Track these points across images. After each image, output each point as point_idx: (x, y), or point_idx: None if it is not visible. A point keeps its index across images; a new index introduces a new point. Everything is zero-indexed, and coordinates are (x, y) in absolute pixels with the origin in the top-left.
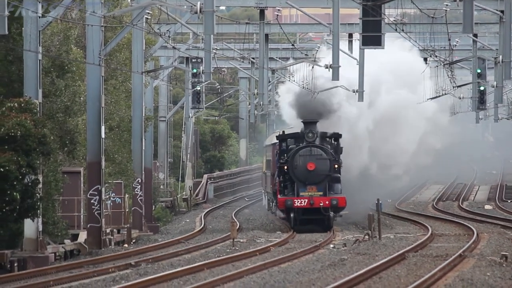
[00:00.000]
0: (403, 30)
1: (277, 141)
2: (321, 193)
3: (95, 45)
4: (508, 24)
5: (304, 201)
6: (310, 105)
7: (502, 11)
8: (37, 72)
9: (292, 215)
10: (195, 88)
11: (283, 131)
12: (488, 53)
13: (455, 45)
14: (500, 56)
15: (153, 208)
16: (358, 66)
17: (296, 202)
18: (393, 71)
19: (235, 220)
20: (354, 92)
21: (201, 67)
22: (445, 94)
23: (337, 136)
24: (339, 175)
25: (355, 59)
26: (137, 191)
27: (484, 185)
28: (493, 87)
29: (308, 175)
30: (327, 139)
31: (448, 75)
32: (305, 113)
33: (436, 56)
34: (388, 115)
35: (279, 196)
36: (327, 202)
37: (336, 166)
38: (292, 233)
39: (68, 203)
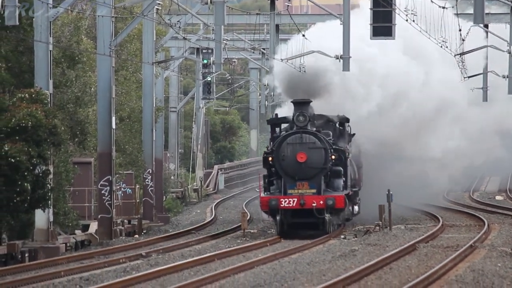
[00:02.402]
0: (413, 20)
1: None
2: (314, 190)
3: (105, 36)
4: None
5: (293, 201)
6: (300, 80)
7: None
8: (47, 62)
9: (278, 218)
10: (205, 79)
11: (276, 114)
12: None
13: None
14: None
15: (164, 199)
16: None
17: (283, 202)
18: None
19: (246, 210)
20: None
21: (211, 58)
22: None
23: (343, 120)
24: (340, 168)
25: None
26: (148, 181)
27: (495, 176)
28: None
29: (298, 169)
30: (331, 123)
31: (459, 66)
32: (295, 90)
33: (447, 47)
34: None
35: (261, 194)
36: (321, 202)
37: (333, 157)
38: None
39: (79, 194)
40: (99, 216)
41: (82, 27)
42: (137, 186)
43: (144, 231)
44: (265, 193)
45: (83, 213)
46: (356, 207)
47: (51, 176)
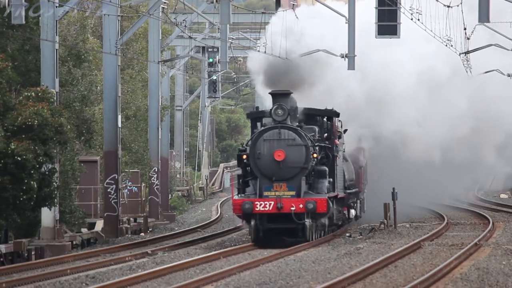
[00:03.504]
0: (418, 19)
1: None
2: (293, 193)
3: (111, 35)
4: None
5: (269, 204)
6: (280, 69)
7: None
8: (54, 61)
9: (253, 223)
10: (211, 78)
11: (257, 107)
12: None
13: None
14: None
15: (170, 197)
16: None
17: (258, 206)
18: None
19: None
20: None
21: (217, 57)
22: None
23: (331, 114)
24: (325, 168)
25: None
26: (154, 180)
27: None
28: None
29: (275, 168)
30: (317, 118)
31: (464, 64)
32: (274, 81)
33: (452, 46)
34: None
35: (234, 197)
36: (300, 206)
37: (315, 155)
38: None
39: (85, 192)
40: (105, 214)
41: (88, 26)
42: (143, 185)
43: (150, 229)
44: (239, 195)
45: (89, 211)
46: (353, 211)
47: (57, 174)
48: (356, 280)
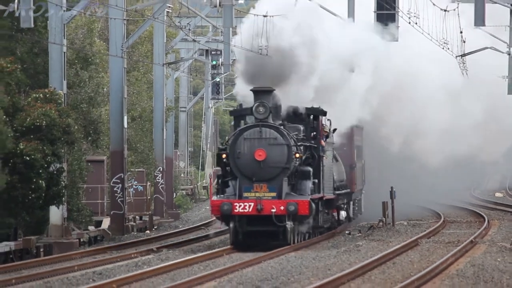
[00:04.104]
0: (416, 23)
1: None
2: (273, 194)
3: (117, 38)
4: None
5: (249, 206)
6: (261, 64)
7: None
8: (61, 64)
9: (231, 225)
10: (214, 80)
11: (240, 105)
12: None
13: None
14: (511, 48)
15: (174, 196)
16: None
17: (237, 207)
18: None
19: None
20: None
21: (220, 59)
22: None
23: (317, 113)
24: (309, 168)
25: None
26: (159, 179)
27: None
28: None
29: (255, 168)
30: (303, 116)
31: (460, 67)
32: (255, 76)
33: (448, 49)
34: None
35: (212, 198)
36: (281, 208)
37: (297, 155)
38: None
39: (92, 191)
40: (111, 213)
41: (95, 30)
42: (148, 184)
43: (155, 227)
44: (218, 196)
45: (96, 210)
46: (343, 213)
47: (65, 173)
48: (355, 276)
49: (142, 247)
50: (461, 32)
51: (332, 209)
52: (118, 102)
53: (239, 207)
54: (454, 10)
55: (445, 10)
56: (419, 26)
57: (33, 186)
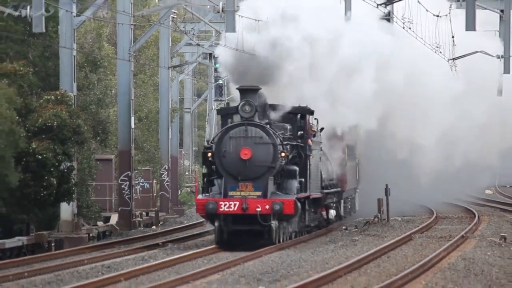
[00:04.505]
0: (410, 28)
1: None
2: (259, 193)
3: (125, 42)
4: (508, 22)
5: (234, 205)
6: (248, 63)
7: (502, 10)
8: (71, 67)
9: (216, 224)
10: (217, 82)
11: (228, 103)
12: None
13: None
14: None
15: (179, 193)
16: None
17: (222, 206)
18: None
19: None
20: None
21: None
22: None
23: (304, 112)
24: (295, 167)
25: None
26: (164, 177)
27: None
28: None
29: (241, 167)
30: (291, 115)
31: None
32: (241, 76)
33: (440, 52)
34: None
35: (198, 196)
36: (266, 207)
37: (283, 154)
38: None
39: (101, 188)
40: (119, 209)
41: (103, 34)
42: (154, 181)
43: (161, 223)
44: (203, 194)
45: (104, 206)
46: (332, 212)
47: (75, 172)
48: (352, 269)
49: (148, 241)
50: (452, 37)
51: (320, 208)
52: (126, 104)
53: (224, 206)
54: (446, 15)
55: (437, 16)
56: (413, 31)
57: (44, 184)
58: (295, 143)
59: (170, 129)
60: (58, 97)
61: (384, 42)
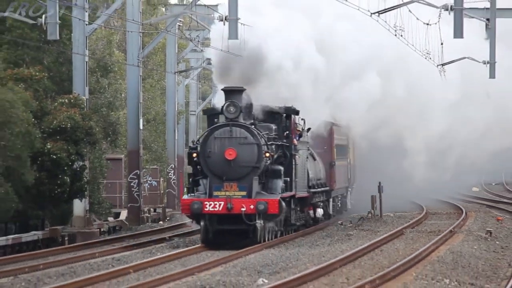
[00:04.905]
0: (401, 35)
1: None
2: (243, 193)
3: (134, 49)
4: (493, 30)
5: (219, 205)
6: (233, 63)
7: (488, 19)
8: (84, 72)
9: (202, 223)
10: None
11: (213, 104)
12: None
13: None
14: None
15: (184, 190)
16: None
17: (207, 206)
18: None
19: None
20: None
21: None
22: None
23: (289, 112)
24: (280, 167)
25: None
26: (171, 175)
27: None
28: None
29: (226, 167)
30: (276, 116)
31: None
32: (226, 76)
33: (430, 58)
34: None
35: (183, 196)
36: (251, 207)
37: (267, 154)
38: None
39: (111, 186)
40: (128, 205)
41: (113, 41)
42: (162, 179)
43: (168, 218)
44: (189, 195)
45: (114, 203)
46: (320, 210)
47: (87, 170)
48: (347, 262)
49: (156, 236)
50: (441, 44)
51: (307, 207)
52: (135, 106)
53: (209, 206)
54: (436, 23)
55: (427, 24)
56: (404, 38)
57: (58, 182)
58: (280, 143)
59: (176, 130)
60: (72, 101)
61: (385, 46)
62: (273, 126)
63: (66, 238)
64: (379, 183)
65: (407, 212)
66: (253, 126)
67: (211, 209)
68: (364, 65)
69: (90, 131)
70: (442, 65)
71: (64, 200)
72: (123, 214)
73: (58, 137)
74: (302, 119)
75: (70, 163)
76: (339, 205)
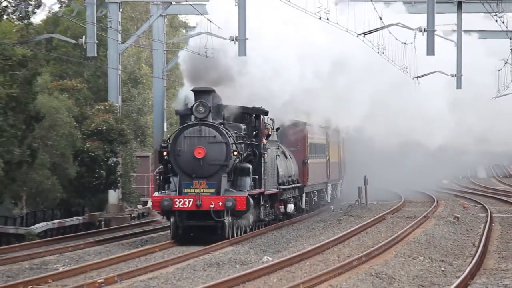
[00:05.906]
0: (383, 53)
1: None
2: (212, 190)
3: (159, 64)
4: (460, 49)
5: (189, 202)
6: (202, 64)
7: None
8: (117, 83)
9: (172, 220)
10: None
11: (186, 104)
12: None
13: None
14: (455, 72)
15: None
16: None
17: (177, 203)
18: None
19: None
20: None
21: None
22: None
23: (258, 113)
24: (248, 165)
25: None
26: None
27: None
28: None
29: (195, 165)
30: (246, 116)
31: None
32: (195, 77)
33: (407, 72)
34: None
35: (154, 193)
36: (219, 204)
37: (235, 153)
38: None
39: (140, 179)
40: None
41: (142, 58)
42: None
43: None
44: (159, 192)
45: (143, 193)
46: (291, 206)
47: (120, 166)
48: (338, 243)
49: None
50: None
51: (277, 202)
52: (160, 112)
53: (179, 202)
54: (412, 43)
55: (404, 43)
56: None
57: (96, 175)
58: (249, 142)
59: None
60: (107, 107)
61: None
62: (243, 126)
63: (102, 222)
64: (365, 176)
65: (388, 201)
66: (222, 125)
67: (180, 206)
68: (337, 72)
69: (122, 132)
70: (417, 77)
71: (101, 191)
72: (150, 203)
73: (95, 137)
74: (271, 119)
75: (105, 160)
76: (315, 200)
